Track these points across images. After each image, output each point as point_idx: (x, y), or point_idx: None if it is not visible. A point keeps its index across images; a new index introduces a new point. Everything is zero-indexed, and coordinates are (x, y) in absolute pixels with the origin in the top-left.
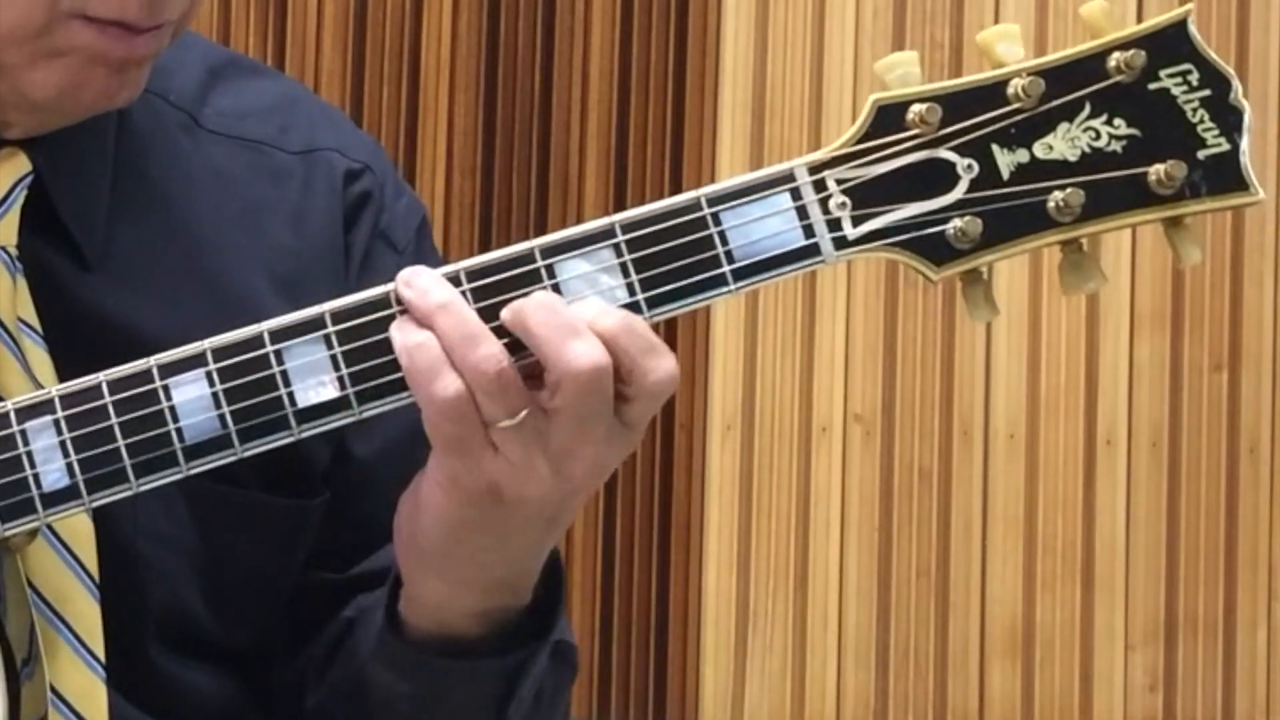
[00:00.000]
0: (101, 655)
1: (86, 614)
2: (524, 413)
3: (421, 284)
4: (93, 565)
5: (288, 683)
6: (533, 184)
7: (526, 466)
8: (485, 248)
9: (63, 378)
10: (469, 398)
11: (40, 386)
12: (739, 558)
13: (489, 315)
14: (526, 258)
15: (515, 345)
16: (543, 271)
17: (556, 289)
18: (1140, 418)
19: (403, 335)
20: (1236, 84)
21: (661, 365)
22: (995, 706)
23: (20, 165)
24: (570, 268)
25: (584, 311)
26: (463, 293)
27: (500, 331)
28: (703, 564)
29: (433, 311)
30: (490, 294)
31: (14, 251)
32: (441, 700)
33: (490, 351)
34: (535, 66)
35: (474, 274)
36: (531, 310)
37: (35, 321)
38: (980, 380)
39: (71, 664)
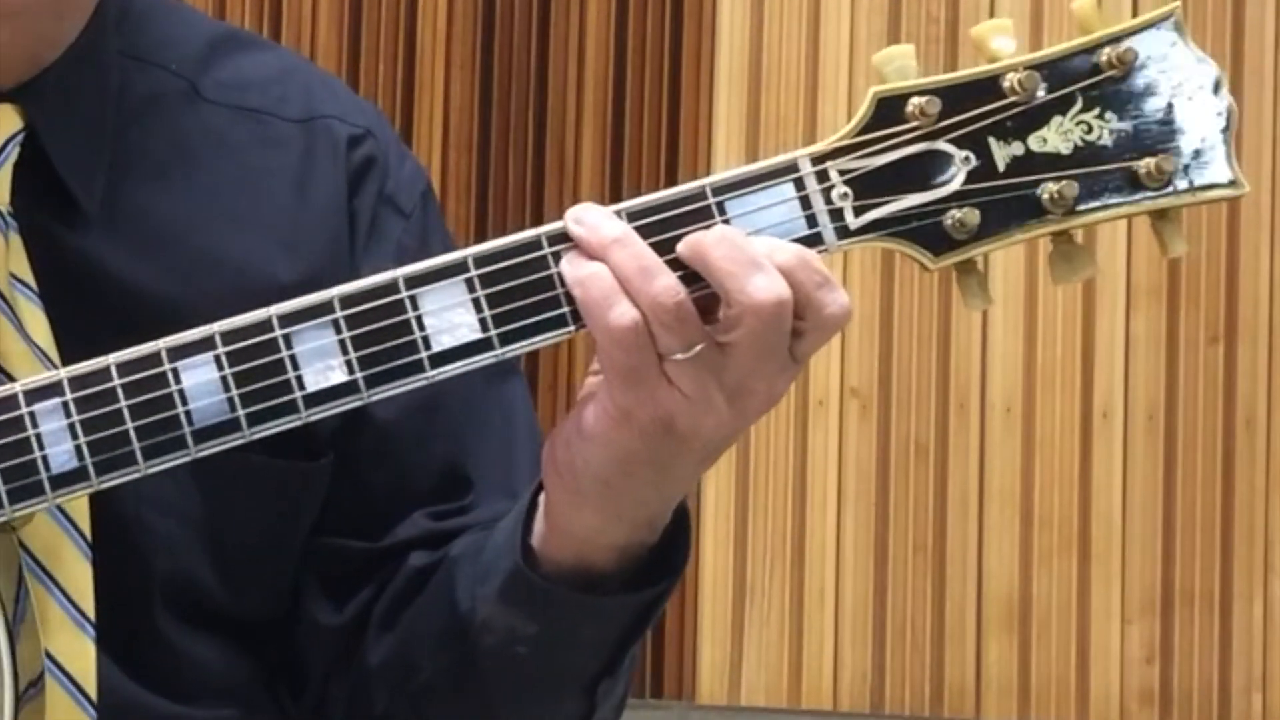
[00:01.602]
0: (92, 615)
1: (77, 574)
2: (699, 346)
3: (592, 220)
4: (86, 525)
5: (323, 646)
6: (529, 160)
7: (702, 400)
8: (482, 223)
9: (58, 335)
10: (644, 328)
11: (34, 345)
12: (735, 533)
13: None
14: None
15: (685, 280)
16: (547, 255)
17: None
18: (1136, 391)
19: (574, 268)
20: (1223, 78)
21: (836, 299)
22: (992, 680)
23: (12, 122)
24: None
25: (759, 246)
26: None
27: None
28: (699, 540)
29: (607, 245)
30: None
31: (6, 209)
32: (568, 639)
33: (668, 283)
34: (531, 44)
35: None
36: (713, 244)
37: (30, 278)
38: (977, 355)
39: (61, 625)
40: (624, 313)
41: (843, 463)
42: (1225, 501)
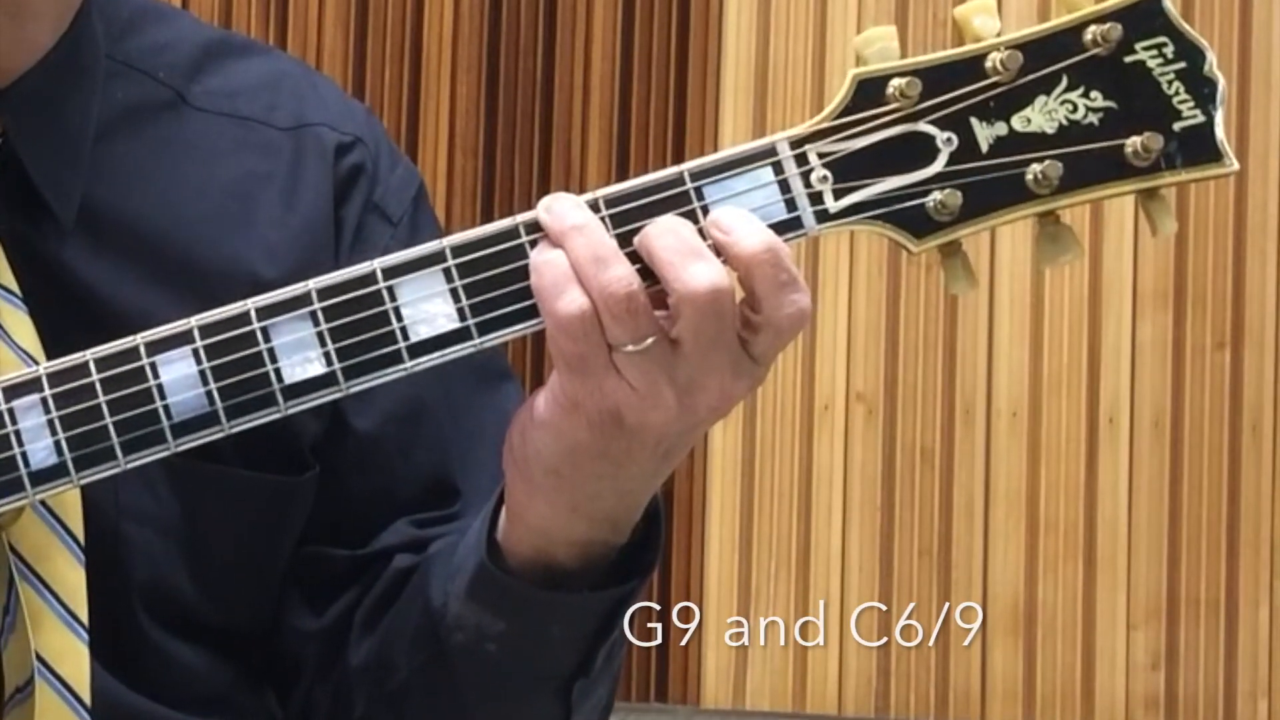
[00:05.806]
0: (84, 618)
1: (69, 576)
2: (650, 339)
3: (560, 208)
4: (78, 529)
5: (305, 650)
6: (534, 164)
7: (651, 394)
8: None
9: (43, 339)
10: (593, 317)
11: (20, 349)
12: (740, 538)
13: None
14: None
15: (647, 274)
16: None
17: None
18: (1142, 397)
19: (535, 254)
20: (1211, 56)
21: (794, 300)
22: (997, 686)
23: None
24: None
25: (732, 223)
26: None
27: (633, 261)
28: (704, 544)
29: (566, 232)
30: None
31: None
32: (537, 638)
33: (620, 274)
34: (537, 47)
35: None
36: (657, 234)
37: (13, 284)
38: (982, 359)
39: (52, 627)
40: (572, 300)
41: (848, 468)
42: (1231, 507)
